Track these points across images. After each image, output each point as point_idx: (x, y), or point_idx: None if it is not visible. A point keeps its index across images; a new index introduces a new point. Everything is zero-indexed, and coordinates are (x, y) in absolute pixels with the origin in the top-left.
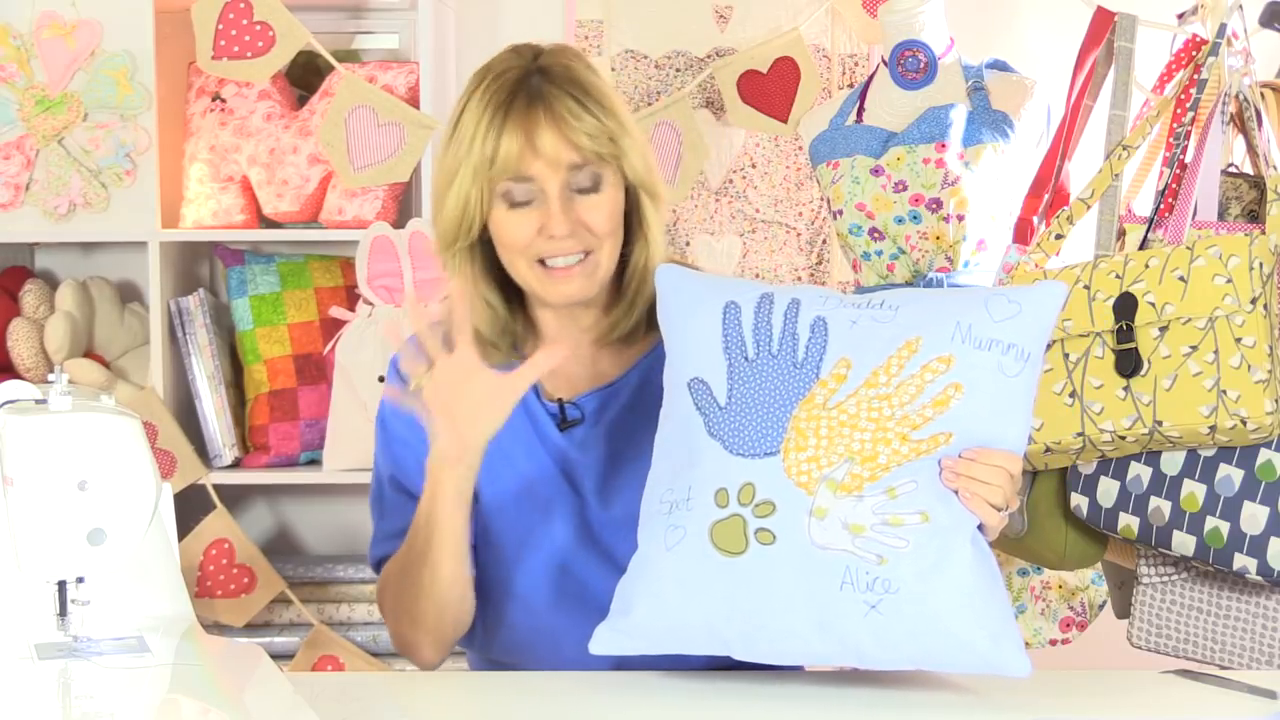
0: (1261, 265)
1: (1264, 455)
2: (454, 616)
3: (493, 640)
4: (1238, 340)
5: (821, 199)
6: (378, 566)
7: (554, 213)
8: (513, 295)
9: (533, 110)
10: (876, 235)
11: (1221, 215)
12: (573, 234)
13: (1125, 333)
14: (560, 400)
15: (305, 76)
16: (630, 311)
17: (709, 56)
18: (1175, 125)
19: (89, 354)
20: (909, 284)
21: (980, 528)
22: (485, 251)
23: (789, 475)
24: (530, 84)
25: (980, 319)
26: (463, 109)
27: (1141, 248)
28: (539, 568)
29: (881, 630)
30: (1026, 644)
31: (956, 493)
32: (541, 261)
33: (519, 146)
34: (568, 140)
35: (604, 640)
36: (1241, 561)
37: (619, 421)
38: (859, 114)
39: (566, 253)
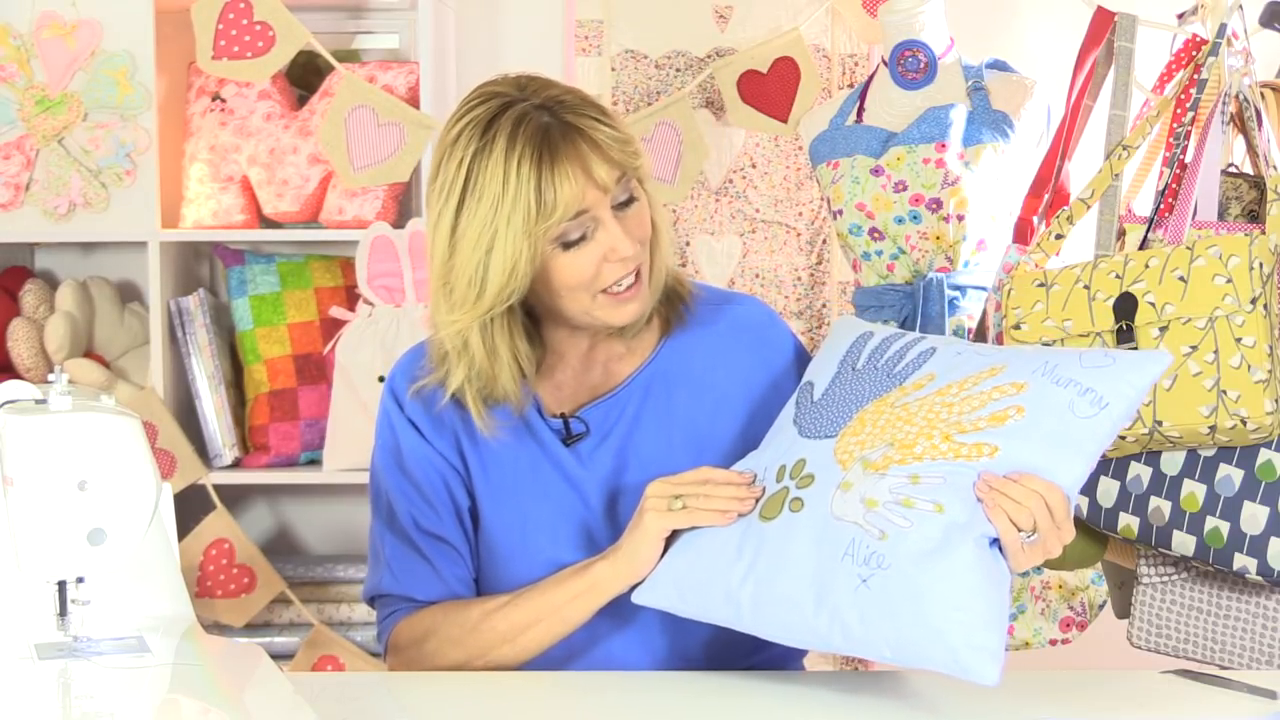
0: (1261, 265)
1: (1264, 455)
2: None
3: None
4: (1238, 340)
5: (821, 199)
6: (374, 600)
7: (618, 235)
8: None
9: (574, 145)
10: (876, 235)
11: (1221, 215)
12: (633, 250)
13: (1125, 333)
14: (563, 415)
15: (305, 76)
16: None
17: (709, 56)
18: (1175, 125)
19: (89, 354)
20: (909, 284)
21: (1001, 550)
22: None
23: (835, 454)
24: (546, 120)
25: (1069, 362)
26: (469, 167)
27: (1141, 248)
28: None
29: (867, 606)
30: (1026, 644)
31: (982, 503)
32: (603, 291)
33: (579, 185)
34: (612, 163)
35: (642, 591)
36: (1241, 561)
37: (626, 435)
38: (859, 114)
39: (631, 270)
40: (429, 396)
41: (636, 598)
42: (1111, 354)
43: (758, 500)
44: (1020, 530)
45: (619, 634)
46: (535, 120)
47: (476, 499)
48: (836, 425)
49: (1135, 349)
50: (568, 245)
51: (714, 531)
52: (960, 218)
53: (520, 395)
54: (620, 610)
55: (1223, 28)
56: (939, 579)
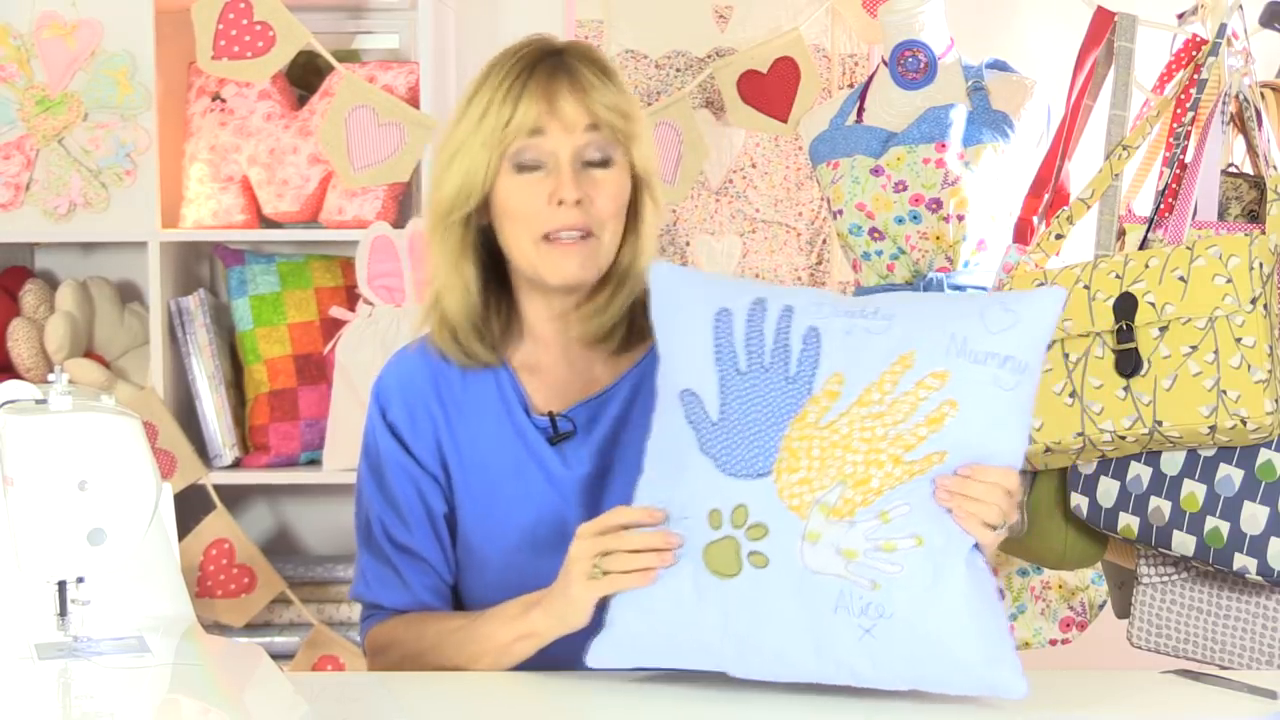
0: (1261, 265)
1: (1264, 455)
2: None
3: None
4: (1238, 340)
5: (821, 199)
6: (358, 600)
7: (565, 179)
8: (495, 290)
9: (555, 78)
10: (876, 235)
11: (1221, 215)
12: (581, 205)
13: (1125, 333)
14: (551, 414)
15: (305, 76)
16: (608, 306)
17: (709, 56)
18: (1175, 125)
19: (89, 354)
20: (909, 284)
21: (977, 545)
22: (479, 239)
23: (781, 498)
24: (551, 58)
25: (976, 330)
26: (476, 89)
27: (1141, 248)
28: (526, 589)
29: (877, 653)
30: (1026, 644)
31: (950, 512)
32: (546, 237)
33: (538, 110)
34: (586, 107)
35: (599, 654)
36: (1241, 561)
37: (608, 435)
38: (859, 114)
39: (573, 226)
40: (413, 393)
41: (591, 661)
42: (1009, 305)
43: (678, 548)
44: (994, 528)
45: None
46: (537, 53)
47: (455, 504)
48: (764, 460)
49: (1134, 349)
50: (520, 167)
51: (664, 592)
52: (960, 218)
53: (460, 325)
54: None
55: (1223, 28)
56: (945, 614)
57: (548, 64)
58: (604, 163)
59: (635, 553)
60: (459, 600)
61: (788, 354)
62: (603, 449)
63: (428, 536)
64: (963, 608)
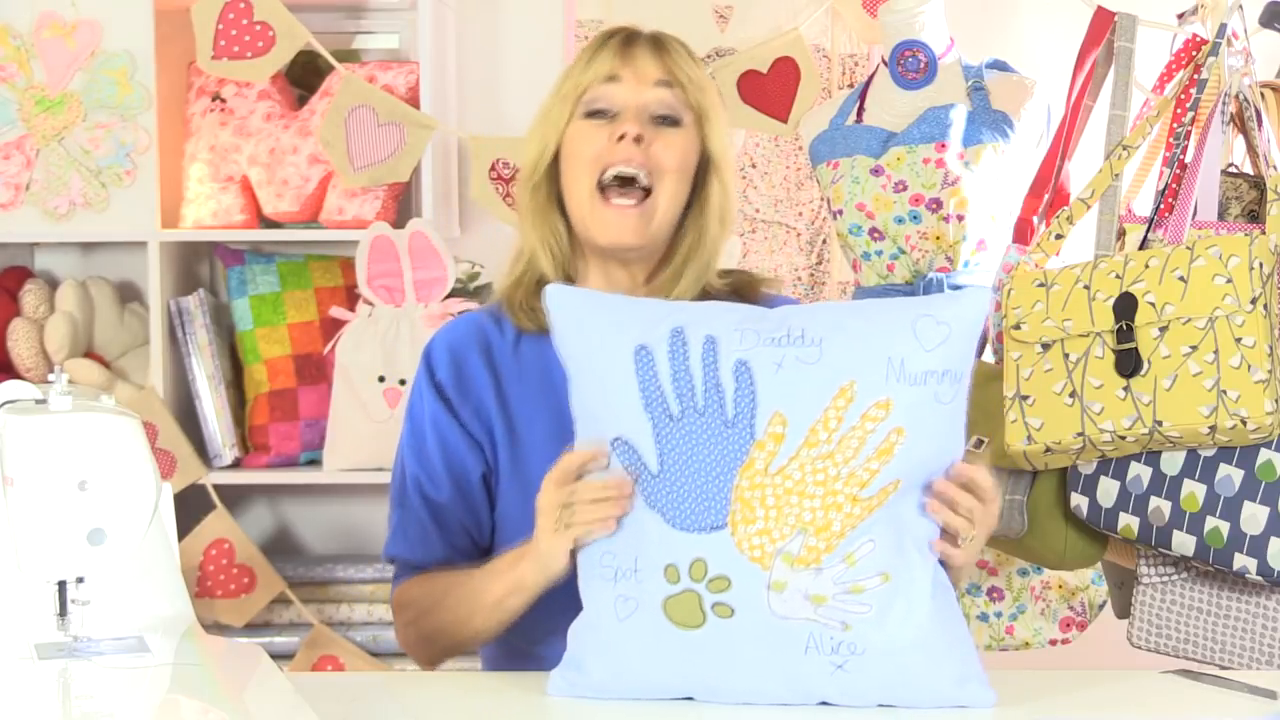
0: (1261, 265)
1: (1264, 455)
2: (472, 648)
3: (517, 627)
4: (1238, 340)
5: (821, 199)
6: (391, 560)
7: (629, 117)
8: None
9: (637, 39)
10: (876, 235)
11: (1221, 215)
12: (641, 144)
13: (1125, 333)
14: None
15: (305, 76)
16: (676, 280)
17: (709, 56)
18: (1175, 125)
19: (89, 354)
20: (909, 284)
21: (941, 562)
22: (559, 204)
23: (740, 550)
24: (642, 32)
25: (911, 350)
26: (569, 67)
27: (1141, 248)
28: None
29: (849, 684)
30: (1026, 644)
31: (940, 525)
32: (603, 192)
33: (614, 61)
34: (662, 63)
35: (561, 689)
36: (1241, 561)
37: None
38: (859, 114)
39: (629, 160)
40: (463, 356)
41: (552, 691)
42: (942, 317)
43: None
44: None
45: None
46: (630, 30)
47: (496, 468)
48: (717, 513)
49: (1134, 349)
50: (590, 114)
51: (626, 644)
52: (960, 218)
53: (550, 274)
54: None
55: (1223, 28)
56: (913, 644)
57: (632, 32)
58: (673, 122)
59: (597, 502)
60: None
61: (721, 395)
62: None
63: (462, 497)
64: (932, 635)
